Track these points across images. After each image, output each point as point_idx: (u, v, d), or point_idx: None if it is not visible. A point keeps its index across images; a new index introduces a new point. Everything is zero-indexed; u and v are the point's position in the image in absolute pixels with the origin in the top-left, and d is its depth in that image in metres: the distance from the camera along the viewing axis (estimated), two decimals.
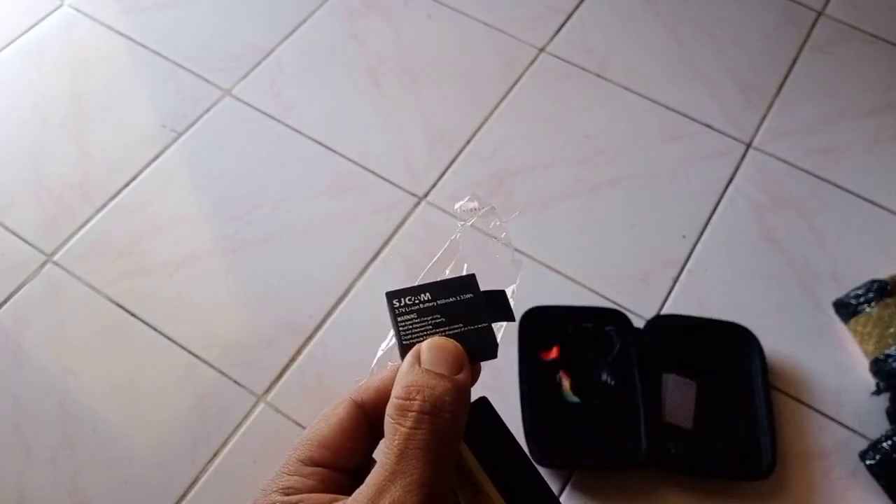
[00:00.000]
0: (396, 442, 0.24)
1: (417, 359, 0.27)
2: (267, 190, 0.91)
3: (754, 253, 0.87)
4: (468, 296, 0.29)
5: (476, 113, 0.98)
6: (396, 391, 0.26)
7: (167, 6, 1.07)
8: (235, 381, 0.79)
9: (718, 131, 0.96)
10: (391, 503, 0.23)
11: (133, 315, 0.82)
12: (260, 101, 0.98)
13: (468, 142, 0.95)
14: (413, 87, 1.00)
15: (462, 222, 0.33)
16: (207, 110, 0.98)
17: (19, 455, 0.75)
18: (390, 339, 0.30)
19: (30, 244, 0.87)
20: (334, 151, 0.94)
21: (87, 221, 0.89)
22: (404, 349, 0.28)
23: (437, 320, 0.28)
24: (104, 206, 0.90)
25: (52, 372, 0.79)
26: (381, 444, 0.25)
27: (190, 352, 0.80)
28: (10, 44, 1.04)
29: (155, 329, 0.82)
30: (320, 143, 0.95)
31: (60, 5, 1.07)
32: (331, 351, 0.80)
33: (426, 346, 0.27)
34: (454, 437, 0.25)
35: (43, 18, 1.06)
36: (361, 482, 0.25)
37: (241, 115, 0.97)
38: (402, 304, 0.29)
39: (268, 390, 0.78)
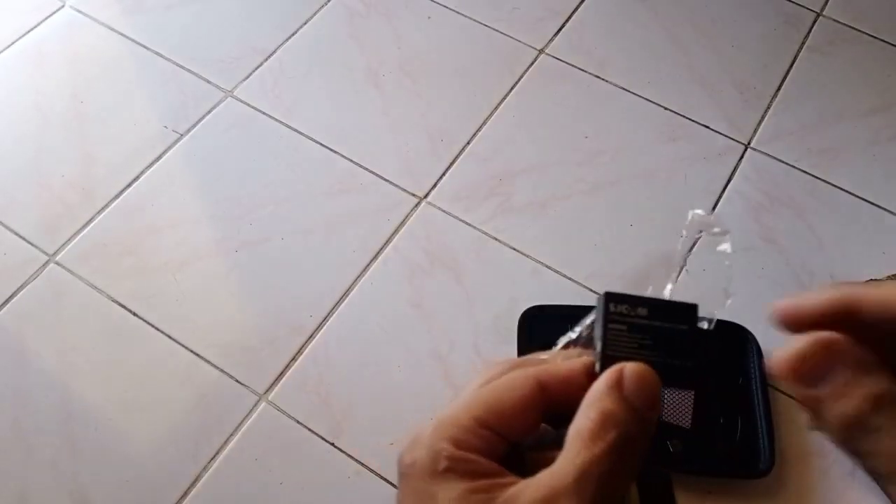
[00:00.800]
0: (579, 462, 0.24)
1: (619, 383, 0.26)
2: (268, 190, 0.91)
3: (753, 253, 0.87)
4: (682, 327, 0.28)
5: (476, 113, 0.98)
6: (591, 413, 0.25)
7: (169, 7, 1.07)
8: (237, 381, 0.79)
9: (717, 132, 0.97)
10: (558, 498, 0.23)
11: (135, 315, 0.83)
12: (261, 102, 0.99)
13: (468, 142, 0.95)
14: (413, 87, 1.00)
15: (688, 232, 0.32)
16: (209, 111, 0.98)
17: (20, 455, 0.75)
18: (580, 332, 0.30)
19: (32, 244, 0.87)
20: (335, 152, 0.95)
21: (88, 221, 0.89)
22: (606, 360, 0.27)
23: (645, 342, 0.27)
24: (106, 206, 0.90)
25: (54, 371, 0.80)
26: (563, 453, 0.25)
27: (191, 351, 0.81)
28: (11, 44, 1.04)
29: (157, 328, 0.82)
30: (321, 144, 0.95)
31: (62, 6, 1.08)
32: (332, 350, 0.81)
33: (632, 374, 0.26)
34: (630, 476, 0.25)
35: (44, 19, 1.06)
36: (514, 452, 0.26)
37: (243, 116, 0.98)
38: (617, 310, 0.28)
39: (269, 389, 0.78)
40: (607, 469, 0.24)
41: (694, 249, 0.30)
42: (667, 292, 0.31)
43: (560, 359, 0.29)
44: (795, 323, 0.27)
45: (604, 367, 0.27)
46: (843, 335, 0.24)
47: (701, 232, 0.32)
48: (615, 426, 0.25)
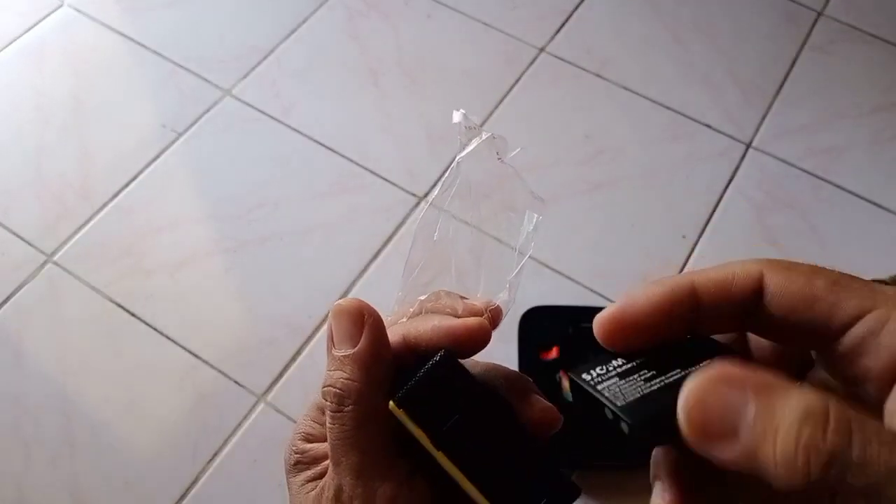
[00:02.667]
0: (328, 437, 0.26)
1: (330, 339, 0.27)
2: (267, 190, 0.91)
3: (754, 253, 0.87)
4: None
5: (476, 113, 0.97)
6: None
7: (167, 6, 1.07)
8: (235, 381, 0.79)
9: (718, 131, 0.96)
10: (336, 487, 0.26)
11: (133, 315, 0.82)
12: (260, 101, 0.98)
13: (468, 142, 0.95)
14: (413, 87, 1.00)
15: (462, 138, 0.30)
16: (208, 110, 0.98)
17: (19, 455, 0.75)
18: (406, 281, 0.28)
19: (30, 244, 0.87)
20: (334, 151, 0.94)
21: (87, 221, 0.89)
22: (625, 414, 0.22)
23: (646, 375, 0.22)
24: (104, 206, 0.90)
25: (52, 372, 0.79)
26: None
27: (190, 352, 0.80)
28: (10, 44, 1.04)
29: (155, 329, 0.82)
30: (320, 143, 0.95)
31: (61, 5, 1.07)
32: None
33: (332, 318, 0.27)
34: (363, 422, 0.26)
35: (43, 19, 1.06)
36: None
37: (242, 116, 0.97)
38: (593, 376, 0.23)
39: (268, 390, 0.78)
40: (340, 431, 0.26)
41: (478, 165, 0.28)
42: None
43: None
44: (624, 334, 0.23)
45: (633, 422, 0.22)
46: (735, 359, 0.20)
47: (471, 140, 0.30)
48: (327, 392, 0.27)
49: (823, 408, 0.17)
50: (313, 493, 0.27)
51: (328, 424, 0.26)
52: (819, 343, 0.21)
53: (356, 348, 0.26)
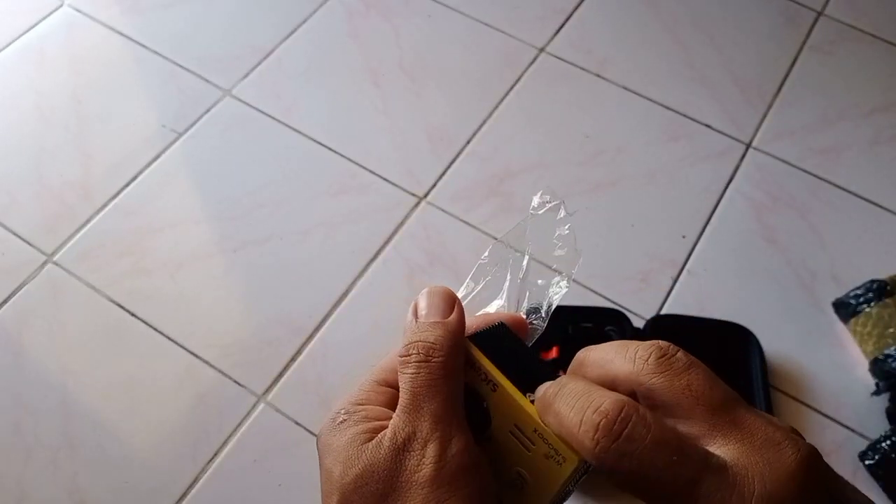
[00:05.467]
0: (405, 387, 0.28)
1: (415, 312, 0.31)
2: (267, 190, 0.91)
3: (754, 253, 0.87)
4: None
5: (476, 113, 0.98)
6: (400, 350, 0.29)
7: (167, 6, 1.07)
8: (235, 381, 0.79)
9: (718, 131, 0.96)
10: (409, 433, 0.27)
11: (133, 315, 0.82)
12: (260, 101, 0.98)
13: (468, 142, 0.95)
14: (413, 87, 1.00)
15: (533, 211, 0.35)
16: (208, 110, 0.98)
17: (19, 455, 0.75)
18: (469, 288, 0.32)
19: (30, 244, 0.87)
20: (334, 151, 0.94)
21: (87, 221, 0.89)
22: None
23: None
24: (104, 205, 0.90)
25: (53, 372, 0.79)
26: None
27: (190, 351, 0.80)
28: (10, 44, 1.04)
29: (155, 329, 0.82)
30: (320, 144, 0.95)
31: (61, 5, 1.07)
32: (331, 350, 0.80)
33: (422, 297, 0.30)
34: (450, 373, 0.28)
35: (43, 19, 1.06)
36: None
37: (242, 116, 0.97)
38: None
39: (268, 390, 0.78)
40: (426, 379, 0.28)
41: (532, 229, 0.33)
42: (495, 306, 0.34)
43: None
44: None
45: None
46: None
47: (538, 211, 0.35)
48: (414, 346, 0.29)
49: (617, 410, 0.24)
50: (370, 444, 0.27)
51: (411, 374, 0.28)
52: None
53: (447, 319, 0.30)
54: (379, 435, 0.27)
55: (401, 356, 0.29)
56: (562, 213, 0.36)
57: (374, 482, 0.27)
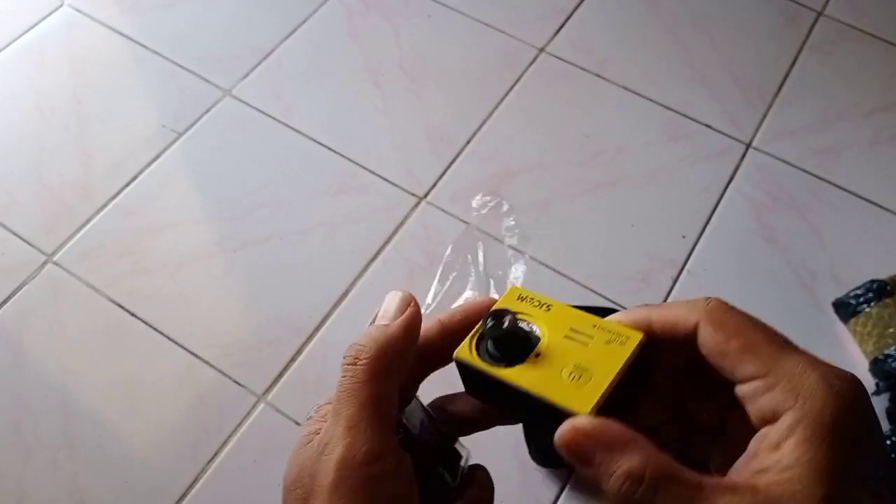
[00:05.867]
0: (336, 391, 0.28)
1: (373, 317, 0.30)
2: (267, 190, 0.91)
3: (754, 253, 0.87)
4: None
5: (476, 113, 0.98)
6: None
7: (167, 6, 1.07)
8: (235, 381, 0.79)
9: (718, 131, 0.96)
10: (328, 437, 0.27)
11: (133, 315, 0.82)
12: (260, 101, 0.98)
13: (468, 142, 0.95)
14: (413, 87, 1.00)
15: (475, 212, 0.35)
16: (208, 110, 0.98)
17: (19, 455, 0.75)
18: (431, 300, 0.32)
19: (30, 244, 0.87)
20: (334, 151, 0.94)
21: (87, 221, 0.89)
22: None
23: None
24: (104, 205, 0.90)
25: (53, 372, 0.79)
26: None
27: (190, 351, 0.80)
28: (10, 44, 1.04)
29: (155, 329, 0.82)
30: (320, 144, 0.95)
31: (61, 5, 1.07)
32: (331, 350, 0.80)
33: (384, 300, 0.31)
34: (374, 377, 0.28)
35: (43, 18, 1.06)
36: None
37: (242, 116, 0.97)
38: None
39: (268, 390, 0.78)
40: (346, 384, 0.28)
41: (482, 227, 0.33)
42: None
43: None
44: None
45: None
46: (595, 420, 0.26)
47: (481, 211, 0.36)
48: (350, 347, 0.29)
49: (641, 471, 0.24)
50: (308, 444, 0.28)
51: (340, 377, 0.28)
52: (728, 381, 0.27)
53: (389, 323, 0.30)
54: (317, 437, 0.28)
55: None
56: (505, 207, 0.36)
57: (301, 485, 0.28)
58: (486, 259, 0.34)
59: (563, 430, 0.26)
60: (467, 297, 0.35)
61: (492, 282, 0.34)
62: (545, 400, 0.27)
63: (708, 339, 0.27)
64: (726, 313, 0.28)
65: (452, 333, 0.31)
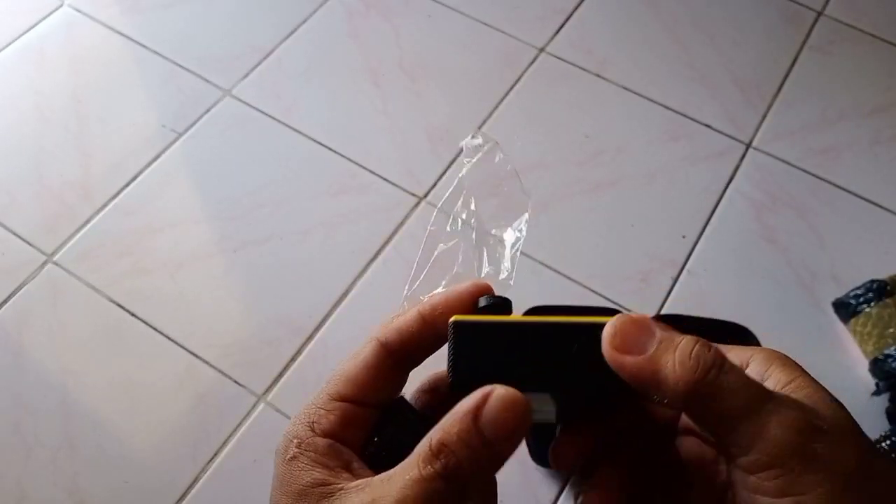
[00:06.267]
0: (405, 481, 0.25)
1: (479, 409, 0.25)
2: (267, 190, 0.91)
3: (754, 253, 0.87)
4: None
5: (476, 113, 0.98)
6: (435, 433, 0.25)
7: (167, 6, 1.07)
8: (236, 381, 0.79)
9: (718, 131, 0.96)
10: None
11: (133, 315, 0.82)
12: (260, 101, 0.98)
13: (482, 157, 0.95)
14: (413, 87, 1.00)
15: (468, 159, 0.33)
16: (208, 110, 0.98)
17: (19, 455, 0.75)
18: (414, 280, 0.31)
19: (30, 244, 0.87)
20: (334, 151, 0.94)
21: (87, 221, 0.89)
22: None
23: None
24: (104, 205, 0.90)
25: (53, 371, 0.79)
26: (402, 463, 0.26)
27: (190, 351, 0.80)
28: (10, 44, 1.04)
29: (155, 329, 0.82)
30: (320, 143, 0.95)
31: (60, 5, 1.07)
32: (331, 350, 0.80)
33: (494, 401, 0.25)
34: (458, 498, 0.25)
35: (43, 19, 1.06)
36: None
37: (242, 116, 0.97)
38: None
39: (268, 390, 0.78)
40: (429, 497, 0.24)
41: (479, 172, 0.31)
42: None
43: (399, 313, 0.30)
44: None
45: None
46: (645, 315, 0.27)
47: (476, 154, 0.34)
48: (449, 455, 0.24)
49: (707, 344, 0.25)
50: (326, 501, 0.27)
51: (419, 472, 0.25)
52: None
53: (505, 449, 0.26)
54: (333, 497, 0.26)
55: (432, 443, 0.25)
56: (499, 156, 0.34)
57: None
58: (478, 223, 0.32)
59: (615, 323, 0.26)
60: (458, 272, 0.33)
61: (485, 250, 0.32)
62: (575, 324, 0.26)
63: (690, 412, 0.26)
64: (707, 376, 0.25)
65: (434, 328, 0.29)
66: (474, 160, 0.32)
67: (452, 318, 0.27)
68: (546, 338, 0.26)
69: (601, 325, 0.26)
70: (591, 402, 0.28)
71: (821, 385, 0.26)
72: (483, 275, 0.32)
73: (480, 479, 0.25)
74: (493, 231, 0.32)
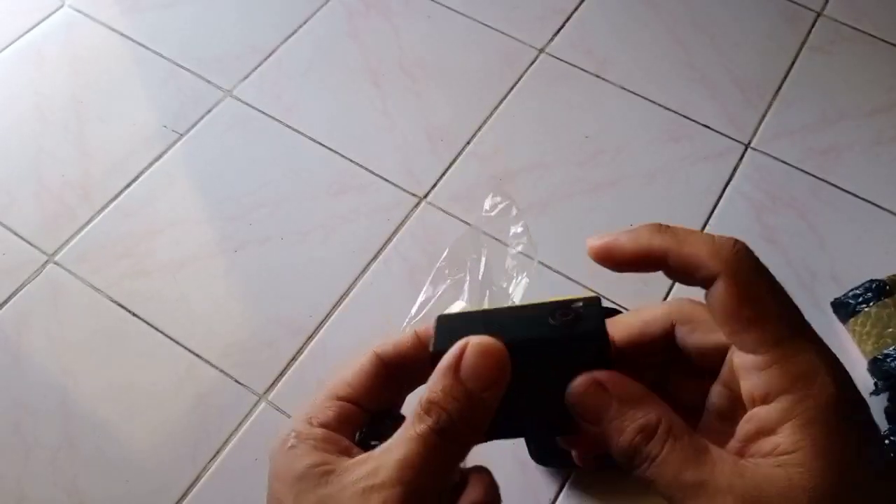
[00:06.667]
0: (403, 445, 0.26)
1: (457, 362, 0.26)
2: (267, 190, 0.91)
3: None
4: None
5: (476, 113, 0.98)
6: (425, 393, 0.26)
7: (168, 7, 1.07)
8: (236, 381, 0.79)
9: (718, 131, 0.96)
10: (378, 483, 0.25)
11: (134, 315, 0.83)
12: (261, 101, 0.98)
13: (468, 142, 0.95)
14: (413, 87, 1.00)
15: (485, 214, 0.35)
16: (208, 111, 0.98)
17: (19, 455, 0.75)
18: (416, 311, 0.31)
19: (30, 244, 0.87)
20: (334, 151, 0.94)
21: (87, 222, 0.89)
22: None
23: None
24: (105, 206, 0.90)
25: (53, 372, 0.80)
26: (398, 432, 0.27)
27: (191, 351, 0.80)
28: (10, 44, 1.04)
29: (156, 329, 0.82)
30: (321, 144, 0.95)
31: (61, 6, 1.08)
32: (331, 350, 0.80)
33: (474, 348, 0.26)
34: (457, 458, 0.27)
35: (43, 19, 1.06)
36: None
37: (242, 116, 0.97)
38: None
39: (269, 390, 0.78)
40: (428, 453, 0.25)
41: (488, 229, 0.32)
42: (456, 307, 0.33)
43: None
44: (609, 260, 0.31)
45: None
46: (612, 373, 0.27)
47: (491, 213, 0.35)
48: (438, 411, 0.26)
49: (655, 425, 0.25)
50: (324, 479, 0.28)
51: (413, 433, 0.26)
52: (729, 341, 0.27)
53: (487, 393, 0.27)
54: (332, 475, 0.26)
55: (422, 402, 0.27)
56: (514, 212, 0.35)
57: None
58: (486, 267, 0.33)
59: (579, 382, 0.26)
60: (462, 306, 0.34)
61: (488, 293, 0.33)
62: (555, 303, 0.27)
63: (721, 298, 0.26)
64: (751, 273, 0.26)
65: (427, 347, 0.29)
66: (493, 214, 0.36)
67: (438, 315, 0.29)
68: (521, 314, 0.28)
69: (577, 300, 0.28)
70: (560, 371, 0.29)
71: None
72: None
73: (473, 430, 0.26)
74: (503, 283, 0.36)
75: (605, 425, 0.26)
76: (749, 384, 0.25)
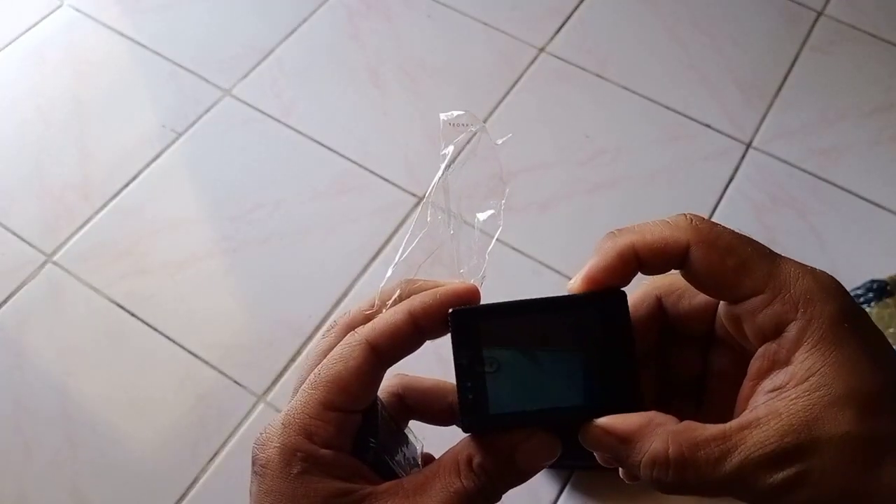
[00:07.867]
0: (445, 489, 0.26)
1: (512, 450, 0.27)
2: (267, 190, 0.91)
3: None
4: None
5: (476, 113, 0.97)
6: (477, 455, 0.27)
7: (167, 6, 1.07)
8: (235, 382, 0.79)
9: (718, 131, 0.96)
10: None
11: (133, 315, 0.82)
12: (260, 101, 0.98)
13: (468, 142, 0.95)
14: (413, 87, 1.00)
15: (446, 144, 0.33)
16: (208, 110, 0.98)
17: (20, 456, 0.75)
18: (400, 255, 0.31)
19: (30, 244, 0.87)
20: (334, 151, 0.94)
21: (87, 222, 0.89)
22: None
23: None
24: (105, 206, 0.90)
25: (53, 372, 0.79)
26: (427, 481, 0.27)
27: (190, 352, 0.80)
28: (10, 44, 1.04)
29: (155, 329, 0.82)
30: (320, 143, 0.95)
31: (61, 5, 1.07)
32: None
33: (534, 447, 0.27)
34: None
35: (43, 19, 1.06)
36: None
37: (242, 116, 0.97)
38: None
39: (268, 390, 0.78)
40: None
41: (457, 160, 0.31)
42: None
43: (385, 310, 0.30)
44: (599, 287, 0.30)
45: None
46: (606, 419, 0.27)
47: (456, 138, 0.34)
48: (486, 478, 0.27)
49: (664, 455, 0.24)
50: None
51: (454, 487, 0.27)
52: (722, 299, 0.27)
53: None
54: None
55: (473, 466, 0.28)
56: (483, 139, 0.33)
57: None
58: (457, 219, 0.32)
59: (586, 438, 0.27)
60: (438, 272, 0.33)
61: (459, 244, 0.32)
62: (571, 296, 0.28)
63: (702, 260, 0.26)
64: (714, 231, 0.28)
65: (421, 330, 0.29)
66: (462, 144, 0.33)
67: (453, 309, 0.29)
68: (544, 321, 0.29)
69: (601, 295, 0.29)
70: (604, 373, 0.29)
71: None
72: (461, 271, 0.33)
73: (509, 489, 0.28)
74: (480, 215, 0.34)
75: (623, 463, 0.26)
76: (755, 326, 0.25)
